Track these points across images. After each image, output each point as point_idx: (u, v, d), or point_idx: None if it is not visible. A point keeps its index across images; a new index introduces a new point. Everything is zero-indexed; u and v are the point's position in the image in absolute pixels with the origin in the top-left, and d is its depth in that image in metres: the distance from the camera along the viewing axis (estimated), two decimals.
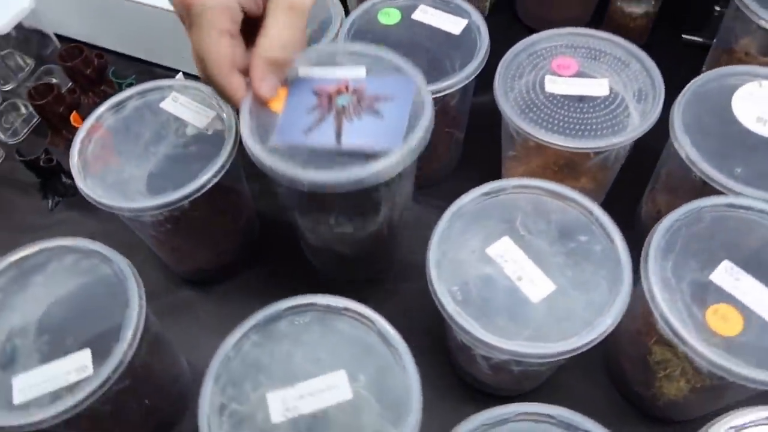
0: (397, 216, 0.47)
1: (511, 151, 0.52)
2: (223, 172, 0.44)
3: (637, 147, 0.47)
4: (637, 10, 0.65)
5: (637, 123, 0.45)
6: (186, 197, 0.43)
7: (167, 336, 0.47)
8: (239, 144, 0.45)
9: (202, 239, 0.52)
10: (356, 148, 0.38)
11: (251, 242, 0.57)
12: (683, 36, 0.67)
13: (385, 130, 0.38)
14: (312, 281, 0.51)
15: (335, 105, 0.39)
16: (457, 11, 0.52)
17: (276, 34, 0.37)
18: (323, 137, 0.38)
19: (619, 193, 0.54)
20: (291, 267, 0.55)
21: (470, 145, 0.60)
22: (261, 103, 0.39)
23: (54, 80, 0.68)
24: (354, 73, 0.41)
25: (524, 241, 0.40)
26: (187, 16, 0.37)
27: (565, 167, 0.50)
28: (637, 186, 0.54)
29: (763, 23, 0.49)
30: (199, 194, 0.43)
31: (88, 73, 0.64)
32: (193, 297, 0.55)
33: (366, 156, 0.37)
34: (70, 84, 0.65)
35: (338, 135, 0.38)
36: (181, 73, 0.62)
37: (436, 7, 0.52)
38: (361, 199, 0.43)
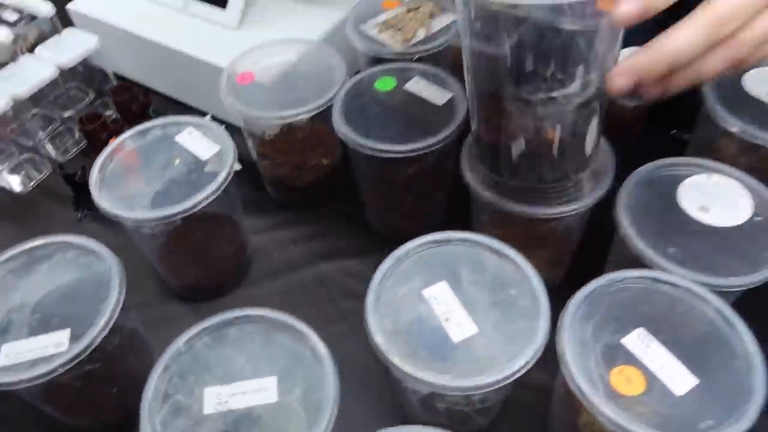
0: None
1: (483, 216, 0.56)
2: (211, 198, 0.50)
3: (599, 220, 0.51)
4: (629, 103, 0.69)
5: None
6: (178, 214, 0.50)
7: (147, 336, 0.53)
8: (231, 178, 0.52)
9: (196, 258, 0.58)
10: None
11: (242, 268, 0.62)
12: (671, 132, 0.71)
13: None
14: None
15: None
16: (445, 84, 0.58)
17: None
18: None
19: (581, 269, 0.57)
20: (278, 295, 0.61)
21: (455, 207, 0.65)
22: None
23: (107, 112, 0.79)
24: None
25: (458, 288, 0.44)
26: None
27: (534, 236, 0.54)
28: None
29: (731, 129, 0.53)
30: (188, 214, 0.50)
31: (133, 108, 0.73)
32: (182, 311, 0.61)
33: None
34: (117, 115, 0.75)
35: None
36: (209, 115, 0.71)
37: (427, 79, 0.59)
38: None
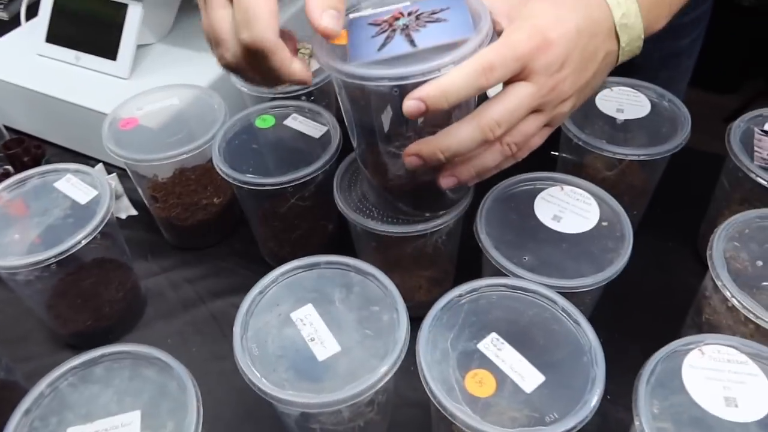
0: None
1: (362, 243, 0.58)
2: (84, 242, 0.51)
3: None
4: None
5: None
6: (48, 259, 0.50)
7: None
8: (109, 220, 0.53)
9: (83, 305, 0.58)
10: (433, 44, 0.40)
11: (135, 312, 0.62)
12: (552, 153, 0.75)
13: (453, 27, 0.41)
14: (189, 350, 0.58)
15: (397, 26, 0.41)
16: (320, 119, 0.61)
17: None
18: (397, 47, 0.40)
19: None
20: (171, 336, 0.61)
21: (344, 238, 0.67)
22: (326, 38, 0.40)
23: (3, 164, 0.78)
24: (401, 4, 0.44)
25: (325, 309, 0.46)
26: None
27: (407, 259, 0.56)
28: None
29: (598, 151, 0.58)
30: (62, 258, 0.50)
31: (25, 161, 0.73)
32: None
33: (446, 48, 0.39)
34: (10, 168, 0.74)
35: (411, 42, 0.40)
36: (101, 163, 0.72)
37: (304, 115, 0.62)
38: None
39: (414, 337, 0.43)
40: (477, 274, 0.59)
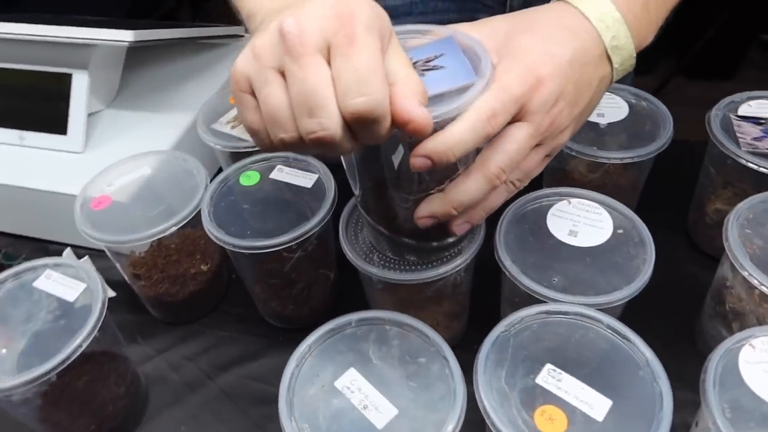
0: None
1: (374, 287, 0.56)
2: (87, 342, 0.46)
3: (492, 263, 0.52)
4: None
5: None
6: (50, 372, 0.45)
7: None
8: (106, 309, 0.48)
9: (81, 409, 0.53)
10: (439, 92, 0.38)
11: (139, 404, 0.57)
12: None
13: (453, 73, 0.39)
14: None
15: None
16: (309, 167, 0.59)
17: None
18: None
19: (482, 307, 0.59)
20: (183, 422, 0.56)
21: (345, 282, 0.64)
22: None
23: None
24: None
25: (369, 371, 0.43)
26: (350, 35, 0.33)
27: (422, 296, 0.54)
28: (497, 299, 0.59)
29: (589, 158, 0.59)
30: (64, 366, 0.45)
31: None
32: None
33: (452, 95, 0.38)
34: None
35: None
36: (69, 248, 0.66)
37: (290, 166, 0.59)
38: None
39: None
40: (493, 300, 0.58)
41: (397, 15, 0.74)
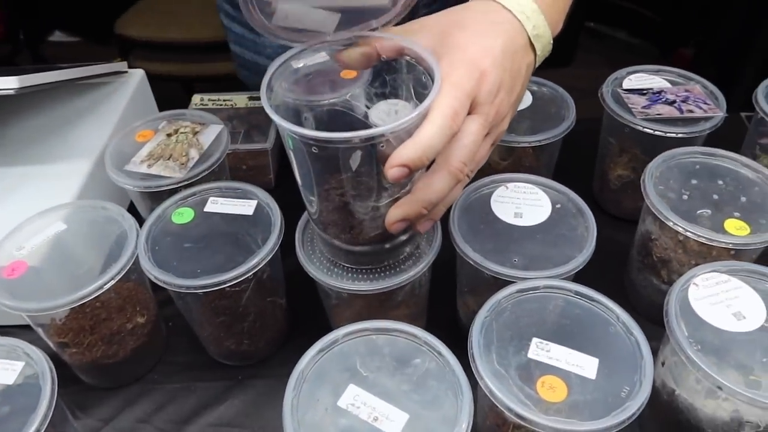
0: None
1: (333, 301, 0.55)
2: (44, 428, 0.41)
3: (440, 262, 0.53)
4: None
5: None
6: None
7: None
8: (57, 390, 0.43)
9: None
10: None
11: None
12: None
13: None
14: None
15: None
16: (245, 194, 0.56)
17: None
18: None
19: (437, 306, 0.60)
20: None
21: (298, 307, 0.62)
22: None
23: None
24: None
25: (368, 382, 0.43)
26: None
27: (383, 302, 0.55)
28: (451, 295, 0.61)
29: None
30: None
31: None
32: None
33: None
34: None
35: None
36: None
37: (224, 196, 0.56)
38: None
39: None
40: (449, 291, 0.60)
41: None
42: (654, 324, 0.50)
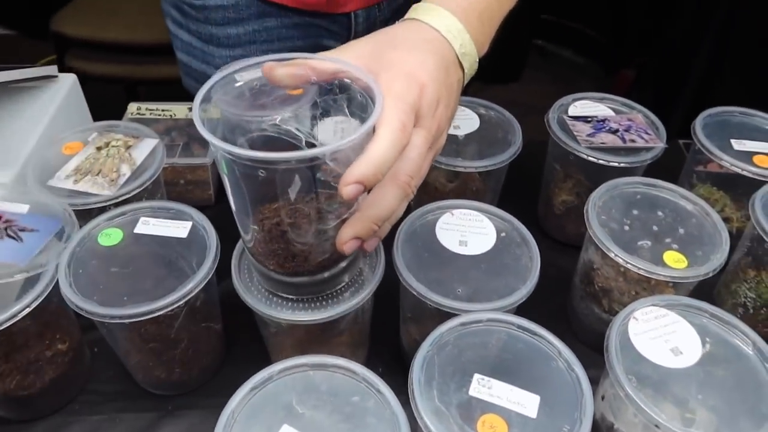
0: None
1: (272, 329, 0.53)
2: None
3: (384, 287, 0.52)
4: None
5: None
6: None
7: None
8: None
9: None
10: None
11: None
12: None
13: None
14: None
15: None
16: (180, 215, 0.53)
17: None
18: None
19: (380, 330, 0.58)
20: None
21: (235, 329, 0.60)
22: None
23: None
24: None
25: (304, 421, 0.41)
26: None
27: (324, 330, 0.53)
28: (394, 320, 0.59)
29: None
30: None
31: None
32: None
33: None
34: None
35: None
36: None
37: (157, 216, 0.53)
38: None
39: None
40: (392, 316, 0.58)
41: (241, 44, 0.71)
42: (595, 351, 0.50)
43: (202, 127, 0.38)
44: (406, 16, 0.47)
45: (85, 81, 0.78)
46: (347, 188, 0.38)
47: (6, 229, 0.50)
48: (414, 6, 0.47)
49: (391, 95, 0.40)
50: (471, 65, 0.48)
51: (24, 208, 0.52)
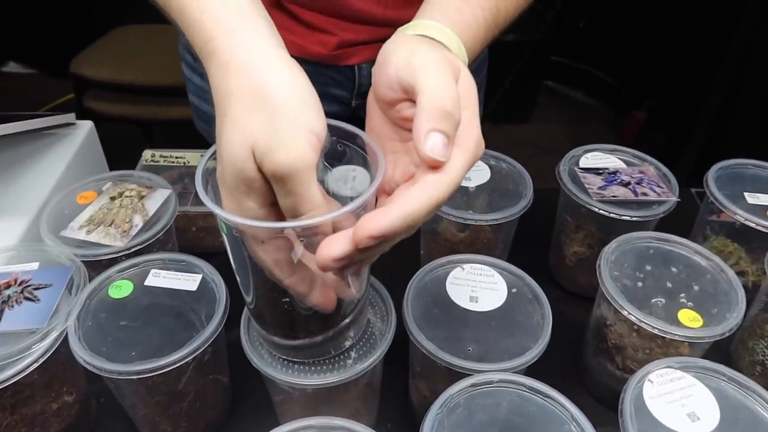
0: None
1: (278, 397, 0.53)
2: None
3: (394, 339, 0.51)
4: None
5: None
6: None
7: None
8: None
9: None
10: None
11: None
12: None
13: None
14: None
15: None
16: (190, 267, 0.54)
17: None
18: None
19: (390, 387, 0.57)
20: None
21: (240, 388, 0.59)
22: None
23: None
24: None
25: None
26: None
27: (334, 390, 0.52)
28: (403, 373, 0.58)
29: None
30: None
31: None
32: None
33: None
34: None
35: None
36: None
37: (167, 269, 0.53)
38: None
39: None
40: (402, 371, 0.57)
41: None
42: (608, 408, 0.49)
43: (203, 190, 0.38)
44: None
45: (102, 120, 0.79)
46: (363, 240, 0.33)
47: (23, 291, 0.50)
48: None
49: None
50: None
51: (35, 266, 0.52)
